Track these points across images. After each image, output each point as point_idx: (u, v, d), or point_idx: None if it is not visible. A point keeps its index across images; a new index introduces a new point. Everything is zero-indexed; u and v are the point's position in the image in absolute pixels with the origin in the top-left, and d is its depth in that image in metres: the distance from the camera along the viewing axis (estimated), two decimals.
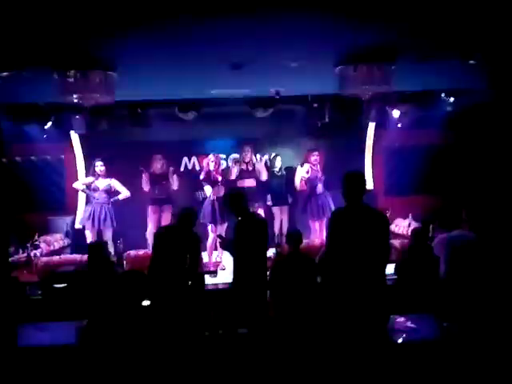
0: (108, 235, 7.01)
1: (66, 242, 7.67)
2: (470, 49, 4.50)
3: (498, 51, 4.55)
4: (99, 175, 7.17)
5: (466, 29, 4.02)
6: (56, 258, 6.45)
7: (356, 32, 3.97)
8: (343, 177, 3.62)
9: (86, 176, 7.60)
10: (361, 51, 4.35)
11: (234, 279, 4.29)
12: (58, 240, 7.45)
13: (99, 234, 7.08)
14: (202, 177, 7.05)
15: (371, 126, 8.39)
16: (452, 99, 7.03)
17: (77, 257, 6.38)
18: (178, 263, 4.20)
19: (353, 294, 3.41)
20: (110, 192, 7.21)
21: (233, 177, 7.12)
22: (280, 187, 7.50)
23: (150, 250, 6.63)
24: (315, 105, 7.46)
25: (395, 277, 5.05)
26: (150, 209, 7.19)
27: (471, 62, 4.68)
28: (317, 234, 7.16)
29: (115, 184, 7.21)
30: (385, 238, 3.58)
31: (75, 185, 7.47)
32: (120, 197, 7.20)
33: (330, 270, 3.57)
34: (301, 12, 3.55)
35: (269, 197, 7.50)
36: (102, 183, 7.16)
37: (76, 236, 7.68)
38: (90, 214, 7.03)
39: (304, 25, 3.82)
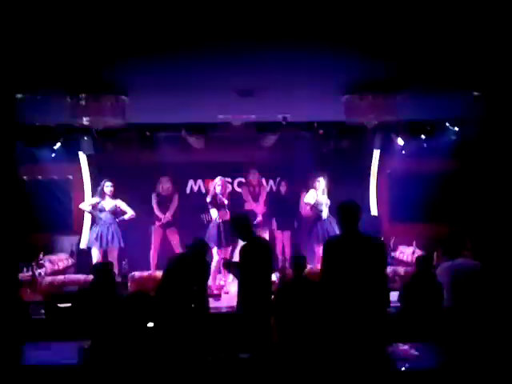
0: (114, 255, 7.04)
1: (71, 261, 7.70)
2: (472, 82, 4.61)
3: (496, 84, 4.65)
4: (106, 196, 7.23)
5: (466, 64, 4.13)
6: (60, 277, 6.48)
7: (361, 65, 4.09)
8: (337, 207, 3.66)
9: (93, 196, 7.67)
10: (367, 81, 4.46)
11: (238, 302, 4.29)
12: (62, 260, 7.49)
13: (105, 254, 7.12)
14: (208, 200, 7.11)
15: (376, 152, 8.48)
16: (456, 128, 7.11)
17: (81, 277, 6.40)
18: (186, 289, 4.23)
19: (350, 324, 3.39)
20: (116, 212, 7.27)
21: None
22: (285, 211, 7.54)
23: (153, 272, 6.68)
24: (321, 131, 7.57)
25: (399, 304, 5.05)
26: (153, 229, 7.25)
27: (475, 93, 4.77)
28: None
29: (121, 204, 7.27)
30: (381, 265, 3.56)
31: (82, 206, 7.53)
32: (126, 217, 7.26)
33: (326, 298, 3.55)
34: (309, 45, 3.67)
35: (273, 221, 7.55)
36: (109, 204, 7.22)
37: (80, 256, 7.71)
38: (98, 235, 7.07)
39: (311, 56, 3.94)
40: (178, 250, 7.04)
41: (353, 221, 3.53)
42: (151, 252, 7.21)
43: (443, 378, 3.71)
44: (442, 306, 4.79)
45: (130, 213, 7.27)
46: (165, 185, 7.30)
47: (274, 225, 7.54)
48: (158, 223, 7.22)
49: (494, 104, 5.58)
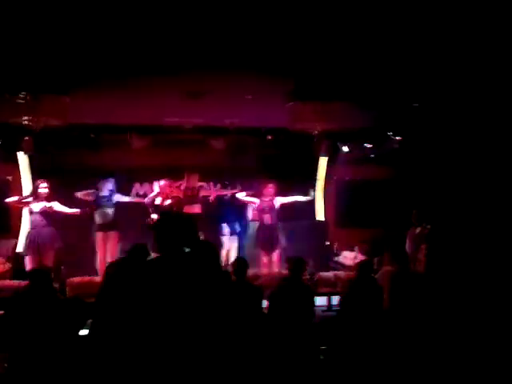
0: (49, 259, 6.53)
1: (7, 266, 7.35)
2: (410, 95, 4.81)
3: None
4: (41, 197, 6.70)
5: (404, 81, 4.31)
6: None
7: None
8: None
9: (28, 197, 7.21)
10: (310, 89, 4.54)
11: None
12: None
13: (40, 259, 6.71)
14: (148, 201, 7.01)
15: (322, 159, 8.64)
16: (398, 137, 7.36)
17: (15, 283, 6.13)
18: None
19: None
20: (47, 214, 6.69)
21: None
22: (230, 216, 7.51)
23: (96, 277, 6.46)
24: (269, 137, 7.64)
25: (339, 308, 5.15)
26: (96, 235, 6.99)
27: (415, 104, 4.96)
28: (265, 265, 7.14)
29: (57, 206, 6.74)
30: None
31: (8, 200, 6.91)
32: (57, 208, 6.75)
33: None
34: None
35: (224, 226, 7.45)
36: (39, 206, 6.64)
37: (17, 261, 7.35)
38: (30, 241, 6.60)
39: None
40: (117, 254, 6.86)
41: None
42: (98, 257, 6.95)
43: (384, 379, 3.80)
44: (382, 309, 4.93)
45: (66, 211, 6.81)
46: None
47: (226, 230, 7.46)
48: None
49: (430, 115, 5.85)
